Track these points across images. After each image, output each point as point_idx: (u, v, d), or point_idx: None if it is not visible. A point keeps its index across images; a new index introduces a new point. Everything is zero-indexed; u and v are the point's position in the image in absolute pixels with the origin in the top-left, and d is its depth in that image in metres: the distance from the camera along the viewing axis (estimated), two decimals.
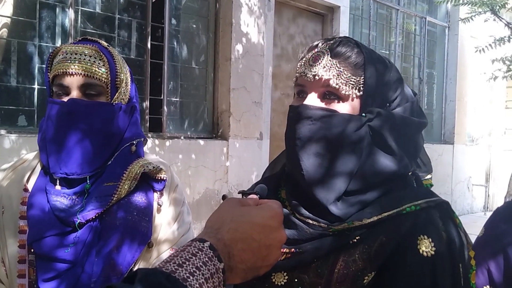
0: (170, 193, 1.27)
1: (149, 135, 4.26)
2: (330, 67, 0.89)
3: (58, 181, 1.16)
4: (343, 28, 5.95)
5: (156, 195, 1.24)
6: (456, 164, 7.95)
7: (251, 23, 4.87)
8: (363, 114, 0.89)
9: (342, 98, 0.89)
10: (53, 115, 1.17)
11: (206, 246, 0.58)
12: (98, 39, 1.27)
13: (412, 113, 0.94)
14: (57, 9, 3.85)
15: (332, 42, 0.93)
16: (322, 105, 0.90)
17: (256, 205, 0.70)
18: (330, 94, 0.90)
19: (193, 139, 4.55)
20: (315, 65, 0.90)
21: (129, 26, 4.36)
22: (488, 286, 1.27)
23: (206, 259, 0.57)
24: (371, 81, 0.90)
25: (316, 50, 0.93)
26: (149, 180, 1.22)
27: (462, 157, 8.07)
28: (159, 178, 1.23)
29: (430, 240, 0.83)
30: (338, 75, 0.88)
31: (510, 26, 5.48)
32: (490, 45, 5.55)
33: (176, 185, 1.29)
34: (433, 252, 0.82)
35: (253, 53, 4.91)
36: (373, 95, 0.90)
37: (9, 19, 3.48)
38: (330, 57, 0.90)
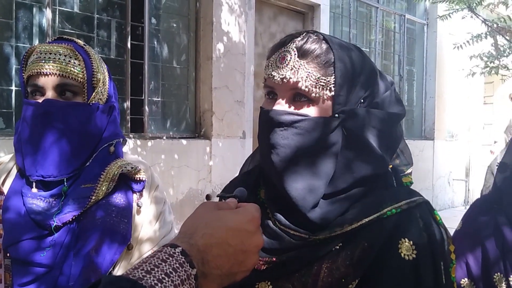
0: (151, 192, 1.26)
1: (131, 135, 4.22)
2: (298, 68, 0.84)
3: (34, 183, 1.14)
4: (324, 26, 5.98)
5: (135, 196, 1.22)
6: (436, 160, 8.07)
7: (232, 22, 4.86)
8: (336, 115, 0.85)
9: (312, 100, 0.85)
10: (28, 116, 1.14)
11: (178, 252, 0.57)
12: (74, 38, 1.24)
13: (390, 104, 0.91)
14: (34, 9, 3.78)
15: (299, 39, 0.87)
16: (292, 109, 0.86)
17: (235, 209, 0.68)
18: (299, 96, 0.86)
19: (176, 139, 4.52)
20: (282, 67, 0.86)
21: (108, 25, 4.30)
22: (466, 279, 1.28)
23: (177, 265, 0.55)
24: (342, 81, 0.85)
25: (282, 49, 0.88)
26: (127, 181, 1.20)
27: (442, 152, 8.19)
28: (138, 178, 1.21)
29: (412, 243, 0.82)
30: (306, 77, 0.84)
31: (486, 23, 5.57)
32: (467, 41, 5.64)
33: (157, 185, 1.28)
34: (414, 256, 0.81)
35: (235, 52, 4.90)
36: (345, 94, 0.86)
37: None
38: (298, 57, 0.85)
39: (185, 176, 4.48)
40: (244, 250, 0.63)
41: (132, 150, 4.05)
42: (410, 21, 7.83)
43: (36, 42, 3.77)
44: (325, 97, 0.85)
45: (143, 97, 4.41)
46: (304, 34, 0.88)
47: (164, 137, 4.47)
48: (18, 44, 3.69)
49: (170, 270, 0.54)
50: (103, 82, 1.22)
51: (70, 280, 1.08)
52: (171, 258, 0.56)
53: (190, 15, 4.84)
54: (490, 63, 6.09)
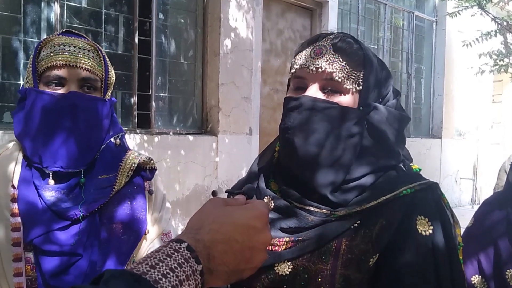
0: (156, 181, 1.35)
1: (138, 131, 4.23)
2: (333, 61, 0.91)
3: (51, 175, 1.15)
4: (332, 23, 5.95)
5: (146, 184, 1.29)
6: (444, 158, 8.02)
7: (240, 18, 4.85)
8: (361, 108, 0.92)
9: (343, 92, 0.92)
10: (47, 107, 1.14)
11: (183, 247, 0.56)
12: (83, 34, 1.25)
13: (399, 109, 0.99)
14: (42, 4, 3.79)
15: (332, 37, 0.95)
16: (323, 97, 0.92)
17: (243, 205, 0.68)
18: (331, 87, 0.92)
19: (182, 135, 4.53)
20: (317, 58, 0.92)
21: (116, 20, 4.31)
22: (477, 276, 1.28)
23: (182, 260, 0.55)
24: (370, 77, 0.93)
25: (317, 43, 0.95)
26: (140, 171, 1.26)
27: (450, 151, 8.14)
28: (150, 168, 1.28)
29: (427, 219, 0.87)
30: (341, 69, 0.91)
31: (496, 20, 5.52)
32: (477, 39, 5.60)
33: (157, 175, 1.36)
34: (430, 231, 0.87)
35: (242, 48, 4.89)
36: (370, 90, 0.93)
37: None
38: (333, 51, 0.92)
39: (191, 172, 4.48)
40: (251, 247, 0.62)
41: (138, 145, 4.06)
42: (419, 18, 7.77)
43: (44, 36, 3.78)
44: (354, 90, 0.92)
45: (150, 93, 4.42)
46: (336, 33, 0.97)
47: (171, 133, 4.47)
48: (26, 39, 3.70)
49: (175, 265, 0.54)
50: (113, 80, 1.27)
51: (97, 267, 1.13)
52: (176, 253, 0.55)
53: (198, 11, 4.83)
54: (500, 61, 6.04)
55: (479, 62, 6.23)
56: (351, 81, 0.91)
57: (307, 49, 0.96)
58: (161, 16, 4.63)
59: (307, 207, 0.91)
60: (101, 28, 4.13)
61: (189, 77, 4.86)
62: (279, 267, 0.90)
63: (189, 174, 4.47)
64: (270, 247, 0.90)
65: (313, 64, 0.92)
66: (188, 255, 0.56)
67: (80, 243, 1.12)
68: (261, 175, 1.01)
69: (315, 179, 0.91)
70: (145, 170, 1.27)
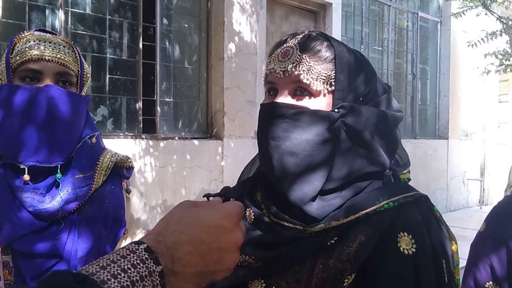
0: (133, 180, 1.35)
1: (143, 136, 4.23)
2: (300, 62, 0.85)
3: (26, 170, 1.11)
4: (336, 25, 5.95)
5: (124, 183, 1.29)
6: (451, 159, 7.97)
7: (243, 22, 4.86)
8: (336, 110, 0.85)
9: (313, 94, 0.86)
10: (21, 101, 1.11)
11: (141, 248, 0.55)
12: (56, 32, 1.27)
13: (388, 107, 0.91)
14: (47, 11, 3.82)
15: (301, 36, 0.89)
16: (293, 101, 0.87)
17: (211, 206, 0.66)
18: (301, 90, 0.87)
19: (188, 140, 4.53)
20: (284, 61, 0.87)
21: (120, 26, 4.33)
22: (491, 283, 1.25)
23: (138, 261, 0.53)
24: (342, 76, 0.86)
25: (285, 45, 0.90)
26: (117, 170, 1.26)
27: (456, 151, 8.09)
28: (127, 166, 1.28)
29: (411, 237, 0.80)
30: (308, 70, 0.85)
31: (501, 20, 5.49)
32: (482, 39, 5.57)
33: (134, 174, 1.36)
34: (414, 250, 0.79)
35: (246, 52, 4.89)
36: (345, 89, 0.87)
37: None
38: (300, 51, 0.87)
39: (197, 177, 4.48)
40: (220, 248, 0.60)
41: (144, 150, 4.06)
42: (423, 19, 7.75)
43: None
44: (325, 91, 0.86)
45: (155, 98, 4.43)
46: (305, 32, 0.90)
47: (176, 138, 4.48)
48: None
49: (129, 266, 0.52)
50: (88, 77, 1.28)
51: (77, 267, 1.11)
52: (132, 254, 0.54)
53: (202, 15, 4.84)
54: (506, 60, 6.01)
55: (485, 62, 6.20)
56: (321, 82, 0.85)
57: (276, 52, 0.90)
58: (165, 21, 4.65)
59: (282, 222, 0.85)
60: (106, 34, 4.15)
61: (194, 82, 4.86)
62: (252, 284, 0.86)
63: (195, 178, 4.47)
64: (246, 263, 0.85)
65: (280, 68, 0.87)
66: (146, 256, 0.54)
67: (60, 244, 1.11)
68: (247, 185, 0.97)
69: (288, 189, 0.84)
70: (123, 169, 1.27)
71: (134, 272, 0.52)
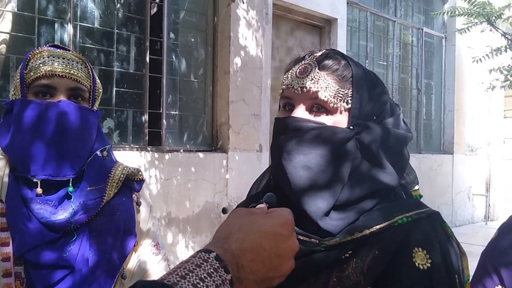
0: (143, 192, 1.37)
1: (148, 148, 4.26)
2: (318, 79, 0.88)
3: (39, 183, 1.13)
4: (341, 40, 5.99)
5: (134, 196, 1.31)
6: (456, 174, 7.94)
7: (249, 37, 4.90)
8: (351, 127, 0.88)
9: (330, 111, 0.88)
10: (36, 115, 1.14)
11: (212, 257, 0.56)
12: (69, 48, 1.29)
13: (398, 126, 0.94)
14: (56, 25, 3.87)
15: (319, 54, 0.92)
16: (310, 117, 0.89)
17: (267, 213, 0.68)
18: (318, 106, 0.89)
19: (193, 152, 4.55)
20: (302, 78, 0.89)
21: (127, 40, 4.38)
22: (499, 286, 1.26)
23: (212, 270, 0.55)
24: (359, 94, 0.89)
25: (303, 62, 0.92)
26: (128, 182, 1.28)
27: (462, 166, 8.07)
28: (137, 179, 1.29)
29: (425, 252, 0.82)
30: (326, 87, 0.87)
31: (506, 36, 5.52)
32: (487, 55, 5.59)
33: (144, 187, 1.37)
34: (429, 265, 0.81)
35: (252, 66, 4.93)
36: (360, 108, 0.89)
37: (7, 35, 3.50)
38: (318, 69, 0.89)
39: (201, 189, 4.49)
40: (279, 255, 0.62)
41: (149, 163, 4.08)
42: (428, 34, 7.79)
43: None
44: (342, 108, 0.88)
45: (161, 111, 4.46)
46: (324, 50, 0.93)
47: (181, 150, 4.49)
48: None
49: (205, 275, 0.54)
50: (100, 93, 1.30)
51: (88, 279, 1.13)
52: (205, 263, 0.55)
53: (208, 30, 4.89)
54: (510, 76, 6.01)
55: (490, 77, 6.21)
56: (338, 99, 0.88)
57: (294, 68, 0.93)
58: (172, 35, 4.70)
59: (297, 236, 0.83)
60: (113, 47, 4.19)
61: (200, 95, 4.90)
62: None
63: (199, 191, 4.47)
64: None
65: (298, 84, 0.89)
66: (217, 264, 0.56)
67: (72, 255, 1.12)
68: (258, 198, 0.98)
69: (303, 203, 0.85)
70: (133, 182, 1.29)
71: (210, 281, 0.54)
